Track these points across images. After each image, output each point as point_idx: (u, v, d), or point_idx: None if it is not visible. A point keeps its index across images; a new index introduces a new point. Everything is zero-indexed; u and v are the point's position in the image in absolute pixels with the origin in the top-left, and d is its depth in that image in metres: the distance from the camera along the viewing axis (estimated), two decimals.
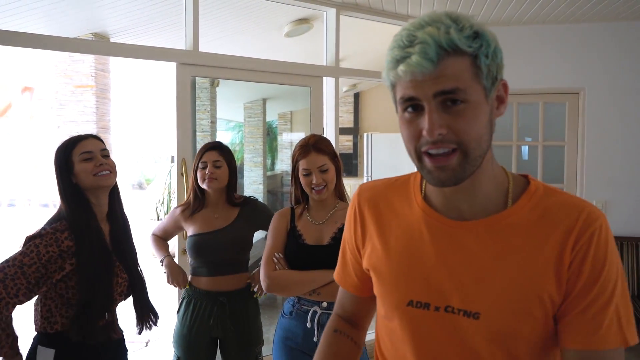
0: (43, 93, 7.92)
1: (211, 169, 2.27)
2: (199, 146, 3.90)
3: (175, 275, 2.32)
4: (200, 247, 2.28)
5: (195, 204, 2.34)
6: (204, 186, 2.28)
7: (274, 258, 2.00)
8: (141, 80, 7.79)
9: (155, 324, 1.92)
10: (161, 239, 2.44)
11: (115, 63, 5.37)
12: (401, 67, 0.79)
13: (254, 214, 2.38)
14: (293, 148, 2.10)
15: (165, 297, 3.23)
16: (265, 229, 2.30)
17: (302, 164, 2.00)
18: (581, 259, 0.83)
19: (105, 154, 1.76)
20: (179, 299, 2.85)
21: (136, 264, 1.87)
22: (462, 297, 0.88)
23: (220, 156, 2.30)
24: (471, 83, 0.80)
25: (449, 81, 0.78)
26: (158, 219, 9.47)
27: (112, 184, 1.78)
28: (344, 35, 3.86)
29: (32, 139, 7.92)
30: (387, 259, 0.98)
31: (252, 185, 9.20)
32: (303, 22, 5.10)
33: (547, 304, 0.85)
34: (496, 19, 4.08)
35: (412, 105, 0.82)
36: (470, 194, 0.91)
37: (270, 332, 2.21)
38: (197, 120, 3.71)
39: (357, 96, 10.55)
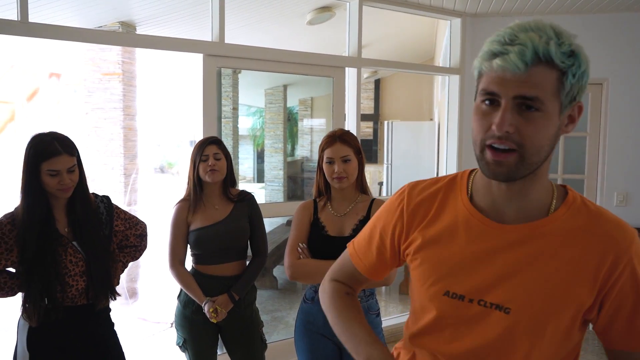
0: (70, 79, 8.07)
1: (212, 161, 2.36)
2: (222, 132, 3.97)
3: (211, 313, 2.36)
4: (203, 239, 2.37)
5: (195, 197, 2.41)
6: (206, 178, 2.36)
7: (298, 248, 2.10)
8: (165, 67, 7.90)
9: (108, 299, 2.04)
10: (188, 277, 2.40)
11: (141, 51, 5.47)
12: (497, 61, 0.85)
13: (247, 209, 2.47)
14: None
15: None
16: (254, 225, 2.46)
17: (326, 153, 2.11)
18: (620, 273, 0.91)
19: (72, 169, 1.90)
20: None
21: (97, 246, 1.99)
22: (496, 293, 0.95)
23: (219, 149, 2.40)
24: (551, 96, 0.86)
25: (533, 88, 0.84)
26: None
27: (69, 195, 1.94)
28: (365, 22, 3.89)
29: (60, 124, 8.10)
30: (431, 253, 1.04)
31: (273, 171, 9.29)
32: (325, 10, 5.13)
33: (576, 307, 0.92)
34: (519, 9, 4.07)
35: (490, 99, 0.89)
36: (519, 199, 0.97)
37: (291, 316, 2.29)
38: None
39: (377, 83, 10.53)
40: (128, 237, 2.14)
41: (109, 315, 2.11)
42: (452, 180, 1.09)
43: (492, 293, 0.96)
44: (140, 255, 2.24)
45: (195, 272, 2.43)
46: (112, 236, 2.07)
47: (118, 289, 2.10)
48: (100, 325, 2.04)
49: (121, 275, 2.17)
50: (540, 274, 0.93)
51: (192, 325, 2.39)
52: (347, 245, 1.26)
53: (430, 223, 1.06)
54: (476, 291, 0.97)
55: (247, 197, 2.49)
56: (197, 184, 2.41)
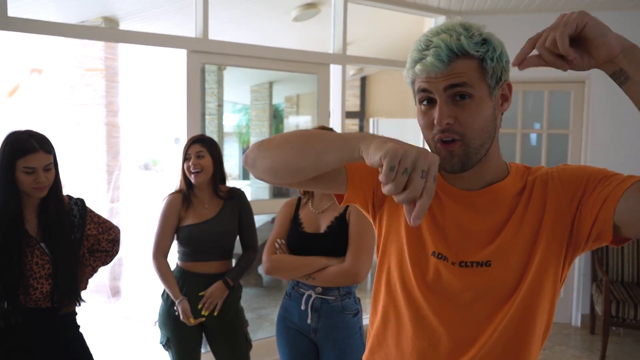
0: (52, 75, 7.96)
1: (194, 160, 2.35)
2: (207, 129, 3.94)
3: (185, 313, 2.31)
4: (191, 237, 2.37)
5: (185, 194, 2.42)
6: (190, 178, 2.37)
7: (276, 244, 2.13)
8: (149, 64, 7.84)
9: (73, 303, 1.98)
10: (168, 271, 2.38)
11: (125, 46, 5.41)
12: (418, 67, 0.94)
13: (237, 207, 2.46)
14: None
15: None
16: (243, 222, 2.45)
17: None
18: (560, 181, 1.00)
19: (48, 168, 1.86)
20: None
21: (66, 249, 1.93)
22: (474, 252, 1.03)
23: (202, 147, 2.38)
24: (477, 81, 0.93)
25: (458, 77, 0.92)
26: None
27: (44, 194, 1.89)
28: (350, 19, 3.89)
29: (42, 119, 7.99)
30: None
31: None
32: (311, 6, 5.11)
33: (550, 239, 0.99)
34: (503, 7, 4.09)
35: (427, 99, 0.96)
36: (477, 180, 1.04)
37: (275, 314, 2.31)
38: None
39: (363, 80, 10.54)
40: (100, 241, 2.11)
41: (75, 319, 2.06)
42: None
43: (470, 253, 1.03)
44: (111, 260, 2.21)
45: (179, 269, 2.42)
46: (84, 240, 2.03)
47: (101, 287, 2.07)
48: (65, 330, 1.99)
49: (104, 274, 2.14)
50: (508, 227, 1.01)
51: (176, 324, 2.37)
52: None
53: None
54: (455, 254, 1.04)
55: (237, 193, 2.48)
56: (186, 182, 2.42)
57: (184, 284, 2.38)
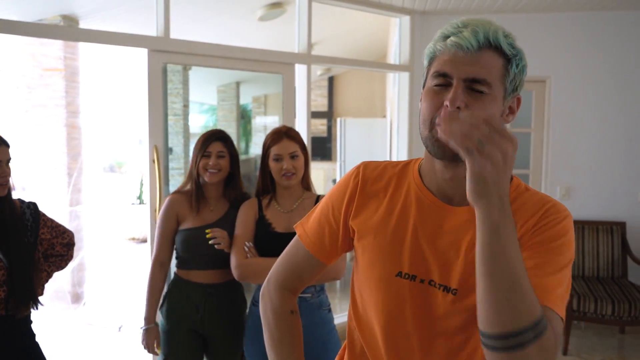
0: (8, 75, 7.70)
1: (214, 160, 2.19)
2: (171, 131, 3.86)
3: (149, 343, 2.24)
4: (190, 242, 2.20)
5: (192, 194, 2.24)
6: (205, 178, 2.21)
7: (245, 247, 2.04)
8: (110, 63, 7.67)
9: (31, 308, 1.94)
10: (156, 285, 2.26)
11: (85, 46, 5.27)
12: (452, 38, 0.92)
13: None
14: (265, 132, 2.14)
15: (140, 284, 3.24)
16: None
17: (273, 150, 2.06)
18: (539, 230, 0.95)
19: (8, 162, 1.83)
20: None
21: (21, 253, 1.88)
22: (444, 274, 0.99)
23: (224, 148, 2.23)
24: (497, 82, 0.93)
25: (482, 71, 0.91)
26: (141, 203, 9.42)
27: (4, 193, 1.85)
28: (316, 19, 3.87)
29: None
30: (381, 232, 1.06)
31: None
32: (276, 6, 5.08)
33: None
34: (467, 7, 4.14)
35: (440, 84, 0.94)
36: (462, 185, 0.94)
37: None
38: (169, 104, 3.68)
39: (331, 80, 10.55)
40: (54, 245, 2.04)
41: (30, 327, 1.98)
42: (405, 165, 1.13)
43: (440, 274, 0.99)
44: (66, 264, 2.13)
45: (176, 278, 2.27)
46: (38, 244, 1.97)
47: (61, 293, 2.01)
48: (20, 338, 1.92)
49: (64, 279, 2.08)
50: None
51: (173, 339, 2.22)
52: (296, 227, 1.23)
53: (383, 204, 1.08)
54: (426, 272, 1.01)
55: (247, 198, 2.28)
56: (196, 181, 2.24)
57: (179, 293, 2.23)
